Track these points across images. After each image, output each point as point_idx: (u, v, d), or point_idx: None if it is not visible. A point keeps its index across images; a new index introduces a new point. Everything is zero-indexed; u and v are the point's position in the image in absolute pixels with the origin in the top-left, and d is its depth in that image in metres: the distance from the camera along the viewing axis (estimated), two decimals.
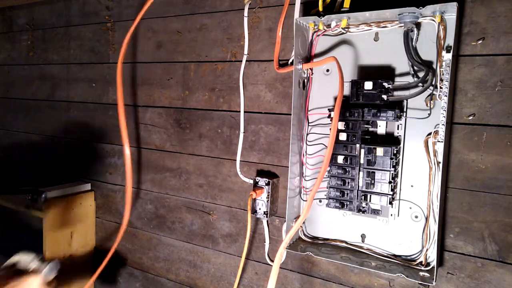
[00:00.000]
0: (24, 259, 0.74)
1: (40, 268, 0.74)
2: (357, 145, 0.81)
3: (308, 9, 0.91)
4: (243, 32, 1.03)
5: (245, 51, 1.03)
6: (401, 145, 0.82)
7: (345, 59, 0.87)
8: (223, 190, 1.10)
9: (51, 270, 0.75)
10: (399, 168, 0.82)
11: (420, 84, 0.77)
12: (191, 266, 1.18)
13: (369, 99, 0.79)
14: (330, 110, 0.86)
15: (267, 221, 1.02)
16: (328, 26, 0.85)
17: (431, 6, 0.72)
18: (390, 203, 0.80)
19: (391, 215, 0.84)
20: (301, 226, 0.94)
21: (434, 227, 0.77)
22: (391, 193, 0.79)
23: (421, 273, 0.78)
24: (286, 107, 0.99)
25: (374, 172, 0.80)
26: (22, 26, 1.58)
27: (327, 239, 0.92)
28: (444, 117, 0.70)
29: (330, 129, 0.83)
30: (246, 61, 1.03)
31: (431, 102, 0.77)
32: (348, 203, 0.83)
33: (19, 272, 0.72)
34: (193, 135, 1.14)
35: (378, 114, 0.79)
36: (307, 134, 0.92)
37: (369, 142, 0.82)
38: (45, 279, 0.73)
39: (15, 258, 0.75)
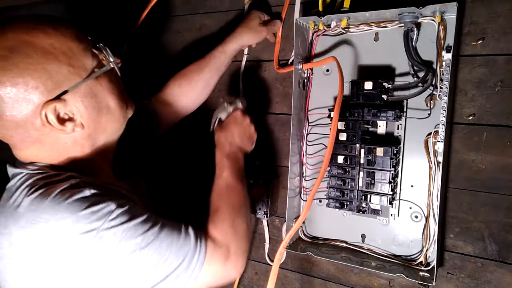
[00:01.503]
0: (220, 108, 0.87)
1: (236, 106, 0.87)
2: (357, 145, 0.81)
3: (308, 9, 0.91)
4: None
5: (245, 51, 1.02)
6: (401, 145, 0.82)
7: (345, 59, 0.87)
8: None
9: (242, 102, 0.88)
10: (399, 168, 0.83)
11: (420, 84, 0.78)
12: None
13: (369, 99, 0.79)
14: (330, 110, 0.86)
15: (267, 221, 1.02)
16: (328, 26, 0.85)
17: (431, 6, 0.72)
18: (390, 203, 0.80)
19: (391, 215, 0.84)
20: (301, 226, 0.94)
21: (434, 227, 0.77)
22: (391, 193, 0.79)
23: (421, 273, 0.78)
24: (286, 107, 0.98)
25: (374, 172, 0.80)
26: None
27: (327, 239, 0.92)
28: (444, 117, 0.70)
29: (330, 129, 0.83)
30: (246, 61, 1.03)
31: (431, 102, 0.77)
32: (348, 203, 0.83)
33: (221, 121, 0.86)
34: None
35: (378, 114, 0.79)
36: (307, 134, 0.92)
37: (369, 142, 0.82)
38: (244, 110, 0.87)
39: (215, 116, 0.88)
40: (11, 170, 0.61)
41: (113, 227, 0.54)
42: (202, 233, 0.63)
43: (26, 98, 0.55)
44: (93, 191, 0.56)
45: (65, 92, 0.58)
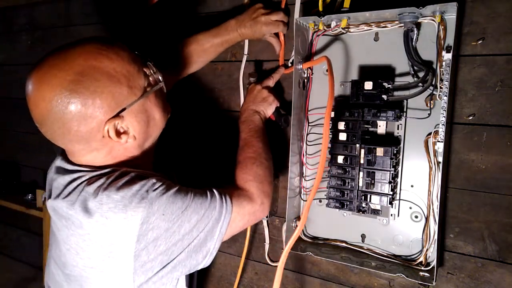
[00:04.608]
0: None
1: (249, 82, 0.97)
2: (357, 145, 0.81)
3: (308, 9, 0.91)
4: None
5: (245, 51, 1.03)
6: (401, 145, 0.82)
7: (345, 59, 0.87)
8: None
9: (253, 75, 0.97)
10: (399, 168, 0.83)
11: (420, 84, 0.78)
12: None
13: (369, 99, 0.79)
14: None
15: (267, 221, 1.02)
16: (328, 26, 0.85)
17: (431, 6, 0.72)
18: (390, 203, 0.80)
19: (391, 215, 0.84)
20: None
21: (434, 227, 0.77)
22: (391, 193, 0.79)
23: (421, 273, 0.78)
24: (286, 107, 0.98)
25: (374, 172, 0.80)
26: (22, 26, 1.58)
27: (327, 239, 0.92)
28: (444, 117, 0.70)
29: (322, 131, 0.83)
30: (246, 61, 1.03)
31: (431, 102, 0.77)
32: (348, 203, 0.83)
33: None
34: None
35: (378, 114, 0.79)
36: (307, 134, 0.92)
37: (369, 142, 0.82)
38: (254, 82, 0.96)
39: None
40: (69, 169, 0.72)
41: (157, 195, 0.65)
42: (223, 189, 0.76)
43: (93, 115, 0.65)
44: (135, 173, 0.68)
45: (123, 109, 0.68)
